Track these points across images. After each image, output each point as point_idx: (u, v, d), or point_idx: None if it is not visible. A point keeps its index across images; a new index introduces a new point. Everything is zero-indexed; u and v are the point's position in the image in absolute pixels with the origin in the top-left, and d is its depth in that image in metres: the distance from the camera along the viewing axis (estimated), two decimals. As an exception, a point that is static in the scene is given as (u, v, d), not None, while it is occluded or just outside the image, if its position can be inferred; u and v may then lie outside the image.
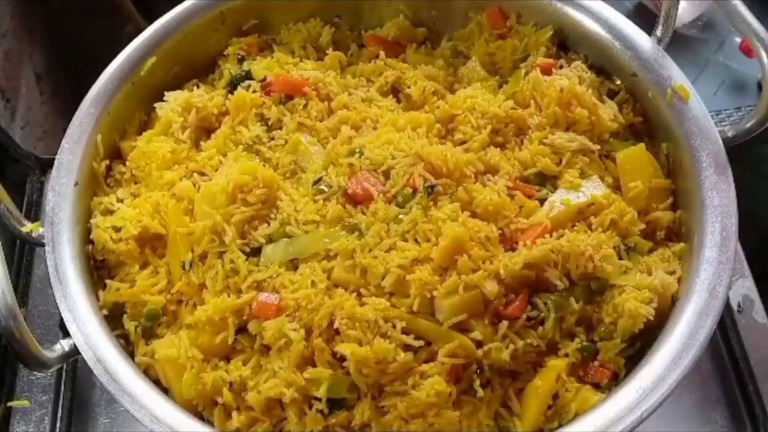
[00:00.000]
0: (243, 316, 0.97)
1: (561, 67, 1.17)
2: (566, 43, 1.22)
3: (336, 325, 0.93)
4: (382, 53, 1.23)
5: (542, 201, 1.04)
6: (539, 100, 1.10)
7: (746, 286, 1.28)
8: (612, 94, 1.16)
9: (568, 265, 0.96)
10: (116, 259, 1.06)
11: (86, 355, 0.94)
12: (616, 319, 0.95)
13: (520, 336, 0.94)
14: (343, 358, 0.92)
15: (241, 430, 0.94)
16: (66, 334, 0.96)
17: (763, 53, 1.01)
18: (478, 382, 0.92)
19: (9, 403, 1.23)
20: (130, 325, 1.01)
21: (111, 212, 1.08)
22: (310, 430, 0.93)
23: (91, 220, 1.07)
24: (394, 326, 0.92)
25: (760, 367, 1.19)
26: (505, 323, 0.94)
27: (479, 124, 1.09)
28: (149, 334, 1.01)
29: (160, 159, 1.11)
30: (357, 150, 1.05)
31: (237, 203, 1.02)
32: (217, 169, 1.10)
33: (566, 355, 0.95)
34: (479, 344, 0.93)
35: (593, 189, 1.04)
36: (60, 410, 1.22)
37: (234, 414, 0.95)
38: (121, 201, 1.10)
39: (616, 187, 1.07)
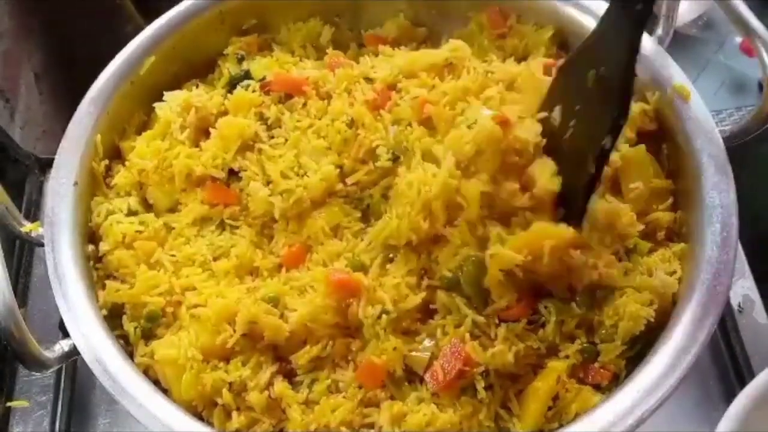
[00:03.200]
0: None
1: (561, 66, 1.16)
2: (566, 43, 1.22)
3: None
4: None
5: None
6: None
7: (747, 286, 1.28)
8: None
9: (573, 277, 0.95)
10: (117, 262, 1.06)
11: (86, 355, 0.94)
12: (617, 321, 0.94)
13: (520, 339, 0.94)
14: None
15: (241, 431, 0.94)
16: (65, 334, 0.96)
17: (763, 53, 1.00)
18: (482, 384, 0.92)
19: (8, 404, 1.23)
20: (129, 326, 1.01)
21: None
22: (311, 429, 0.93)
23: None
24: None
25: (760, 367, 1.18)
26: (504, 327, 0.94)
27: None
28: (149, 335, 1.01)
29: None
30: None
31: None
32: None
33: (566, 357, 0.95)
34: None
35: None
36: (59, 410, 1.22)
37: (234, 414, 0.95)
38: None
39: (616, 188, 1.07)
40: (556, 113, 0.96)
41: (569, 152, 0.94)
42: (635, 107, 1.10)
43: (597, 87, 0.91)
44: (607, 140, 0.90)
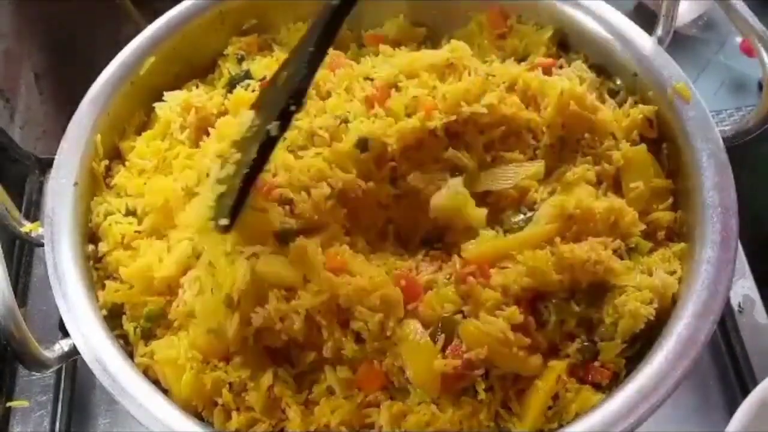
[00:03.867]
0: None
1: (561, 67, 1.16)
2: (566, 43, 1.22)
3: None
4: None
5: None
6: (540, 101, 1.10)
7: (747, 287, 1.28)
8: (612, 94, 1.16)
9: (576, 273, 0.95)
10: (116, 262, 1.06)
11: (86, 355, 0.94)
12: (617, 319, 0.94)
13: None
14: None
15: (240, 431, 0.94)
16: (65, 334, 0.96)
17: (763, 53, 1.00)
18: (482, 386, 0.92)
19: (8, 404, 1.23)
20: (129, 326, 1.01)
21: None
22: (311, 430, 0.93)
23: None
24: None
25: (760, 367, 1.19)
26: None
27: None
28: (148, 335, 1.01)
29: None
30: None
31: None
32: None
33: (567, 356, 0.95)
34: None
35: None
36: (59, 410, 1.22)
37: (234, 414, 0.95)
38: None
39: (616, 188, 1.07)
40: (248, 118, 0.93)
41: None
42: (636, 111, 1.10)
43: (284, 84, 0.90)
44: (274, 125, 0.86)
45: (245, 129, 0.89)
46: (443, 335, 0.92)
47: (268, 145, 0.87)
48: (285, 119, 0.86)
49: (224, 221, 0.88)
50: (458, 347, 0.91)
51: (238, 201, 0.88)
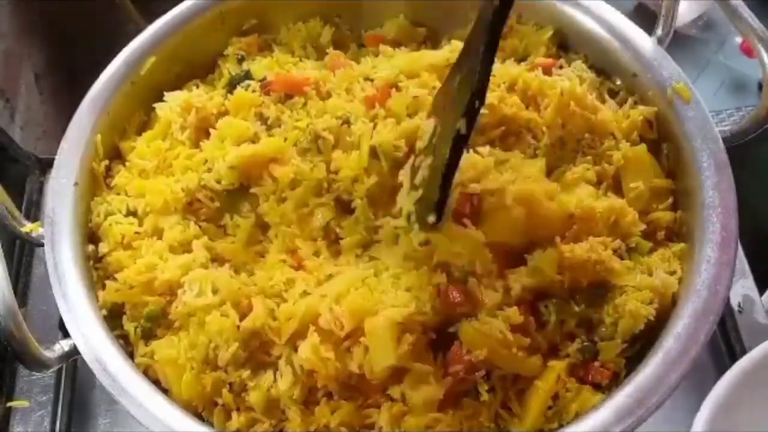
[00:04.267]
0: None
1: (561, 67, 1.17)
2: (566, 43, 1.22)
3: None
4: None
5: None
6: (540, 101, 1.10)
7: (747, 286, 1.28)
8: (612, 94, 1.16)
9: (576, 273, 0.95)
10: (116, 263, 1.06)
11: (86, 355, 0.94)
12: (617, 319, 0.95)
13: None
14: None
15: (240, 431, 0.94)
16: (66, 334, 0.96)
17: (763, 53, 1.01)
18: (485, 387, 0.92)
19: (9, 404, 1.23)
20: (129, 326, 1.01)
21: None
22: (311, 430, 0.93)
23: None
24: None
25: (760, 367, 1.19)
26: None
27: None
28: (149, 335, 1.01)
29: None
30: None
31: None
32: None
33: (567, 356, 0.95)
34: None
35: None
36: (60, 410, 1.22)
37: (234, 414, 0.95)
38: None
39: (617, 188, 1.07)
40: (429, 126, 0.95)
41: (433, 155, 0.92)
42: (636, 113, 1.10)
43: (460, 87, 0.90)
44: (462, 123, 0.86)
45: (429, 136, 0.92)
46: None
47: (458, 144, 0.89)
48: (471, 116, 0.88)
49: (431, 218, 0.91)
50: (458, 352, 0.91)
51: (441, 198, 0.91)
